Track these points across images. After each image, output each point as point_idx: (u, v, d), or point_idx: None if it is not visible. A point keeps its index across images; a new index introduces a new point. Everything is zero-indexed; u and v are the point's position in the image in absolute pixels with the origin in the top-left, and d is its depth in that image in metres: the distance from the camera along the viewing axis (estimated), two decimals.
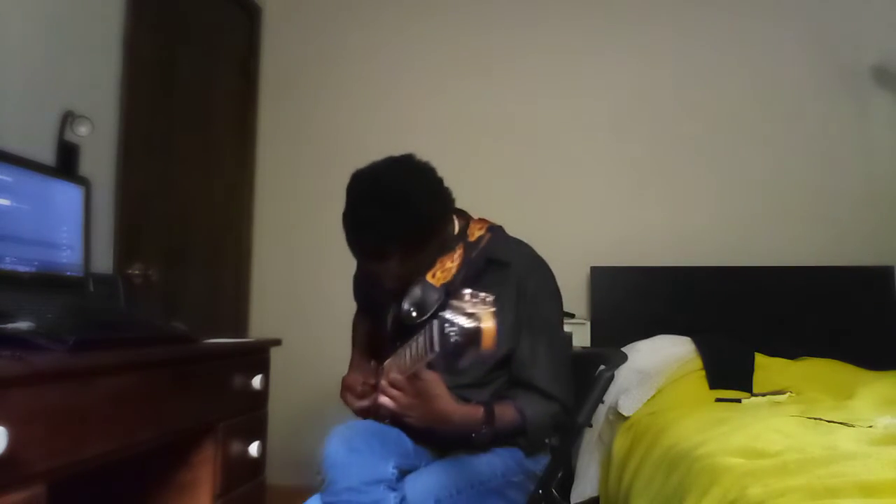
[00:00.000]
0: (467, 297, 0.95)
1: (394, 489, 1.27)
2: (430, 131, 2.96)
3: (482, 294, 0.95)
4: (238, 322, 2.93)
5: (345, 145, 2.98)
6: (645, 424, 1.98)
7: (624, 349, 2.27)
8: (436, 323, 1.00)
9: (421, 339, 1.11)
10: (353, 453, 1.27)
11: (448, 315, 0.94)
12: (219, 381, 1.60)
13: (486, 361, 1.37)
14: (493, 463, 1.38)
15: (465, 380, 1.39)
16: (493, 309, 0.93)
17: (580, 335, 2.62)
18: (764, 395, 2.21)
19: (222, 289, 2.87)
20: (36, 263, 1.55)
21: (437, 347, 1.00)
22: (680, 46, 2.97)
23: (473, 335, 0.91)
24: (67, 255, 1.65)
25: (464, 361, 0.96)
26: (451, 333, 0.93)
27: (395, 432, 1.39)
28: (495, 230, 1.49)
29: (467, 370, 1.38)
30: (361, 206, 1.32)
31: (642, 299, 2.77)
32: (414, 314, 1.38)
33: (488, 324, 0.91)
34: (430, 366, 1.23)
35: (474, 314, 0.92)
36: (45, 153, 1.84)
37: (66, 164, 1.88)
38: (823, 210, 2.84)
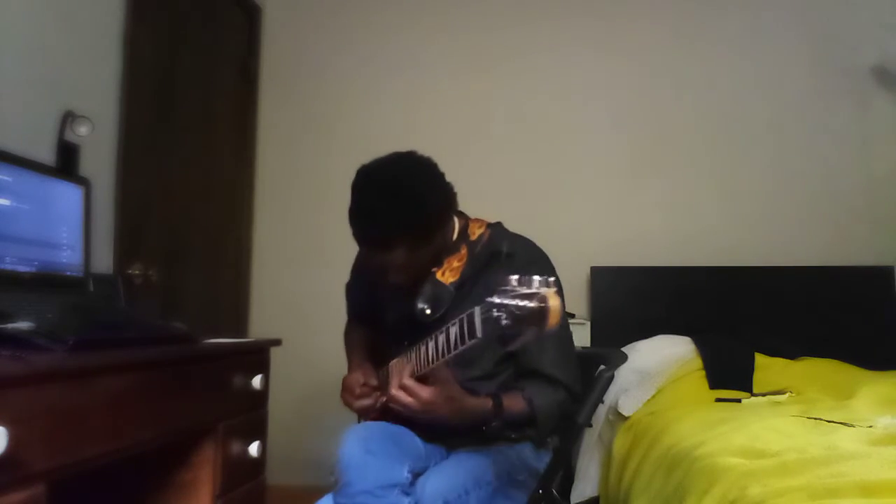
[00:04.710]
0: (514, 283, 0.96)
1: (408, 493, 1.27)
2: (430, 131, 2.96)
3: (536, 277, 0.95)
4: (238, 322, 2.93)
5: (345, 145, 2.97)
6: (645, 424, 1.98)
7: (624, 349, 2.27)
8: (478, 310, 1.01)
9: (454, 329, 1.11)
10: (369, 455, 1.27)
11: (497, 300, 0.95)
12: (219, 381, 1.60)
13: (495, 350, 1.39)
14: (498, 462, 1.39)
15: (475, 372, 1.41)
16: (555, 289, 0.94)
17: (580, 335, 2.62)
18: (764, 395, 2.21)
19: (222, 289, 2.87)
20: (36, 263, 1.55)
21: (479, 334, 1.01)
22: (681, 46, 2.97)
23: (538, 315, 0.92)
24: (67, 255, 1.65)
25: (517, 343, 0.96)
26: (501, 317, 0.94)
27: (408, 434, 1.39)
28: (494, 226, 1.52)
29: (478, 361, 1.40)
30: (366, 198, 1.33)
31: (642, 299, 2.77)
32: (428, 312, 1.39)
33: (555, 302, 0.92)
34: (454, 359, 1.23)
35: (535, 294, 0.92)
36: (45, 153, 1.84)
37: (66, 164, 1.88)
38: (823, 210, 2.84)
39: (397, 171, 1.35)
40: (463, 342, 1.09)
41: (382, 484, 1.24)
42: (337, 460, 1.29)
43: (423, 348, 1.27)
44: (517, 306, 0.93)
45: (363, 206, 1.33)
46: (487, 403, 1.33)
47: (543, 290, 0.93)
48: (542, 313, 0.91)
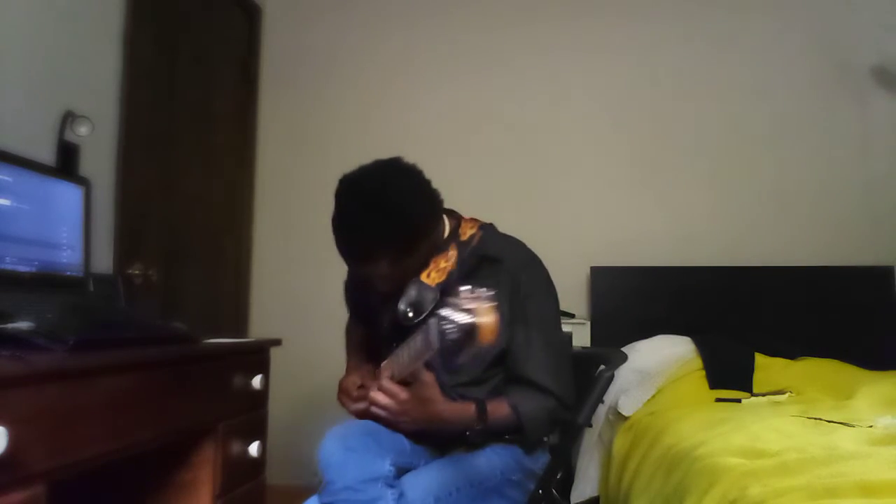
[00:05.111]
0: (464, 294, 0.95)
1: (391, 486, 1.27)
2: (429, 131, 2.96)
3: (479, 290, 0.95)
4: (238, 322, 2.93)
5: (345, 145, 2.98)
6: (645, 424, 1.98)
7: (624, 349, 2.27)
8: (433, 321, 1.00)
9: (419, 337, 1.11)
10: (348, 452, 1.27)
11: (445, 312, 0.95)
12: (219, 381, 1.60)
13: (484, 356, 1.38)
14: (492, 461, 1.38)
15: (463, 378, 1.40)
16: (492, 304, 0.93)
17: (580, 335, 2.62)
18: (764, 395, 2.21)
19: (222, 289, 2.87)
20: (36, 263, 1.55)
21: (435, 345, 1.00)
22: (680, 46, 2.97)
23: (470, 331, 0.91)
24: (67, 255, 1.65)
25: (462, 357, 0.96)
26: (449, 330, 0.93)
27: (390, 431, 1.39)
28: (486, 228, 1.50)
29: (465, 367, 1.38)
30: (347, 210, 1.33)
31: (642, 299, 2.77)
32: (411, 314, 1.38)
33: (486, 318, 0.91)
34: (428, 365, 1.23)
35: (471, 310, 0.92)
36: (45, 153, 1.84)
37: (66, 164, 1.88)
38: (823, 210, 2.84)
39: (380, 182, 1.33)
40: (425, 352, 1.08)
41: (363, 478, 1.24)
42: (318, 461, 1.29)
43: (399, 353, 1.27)
44: (459, 320, 0.92)
45: (345, 220, 1.33)
46: (470, 409, 1.32)
47: (477, 306, 0.92)
48: (472, 329, 0.91)
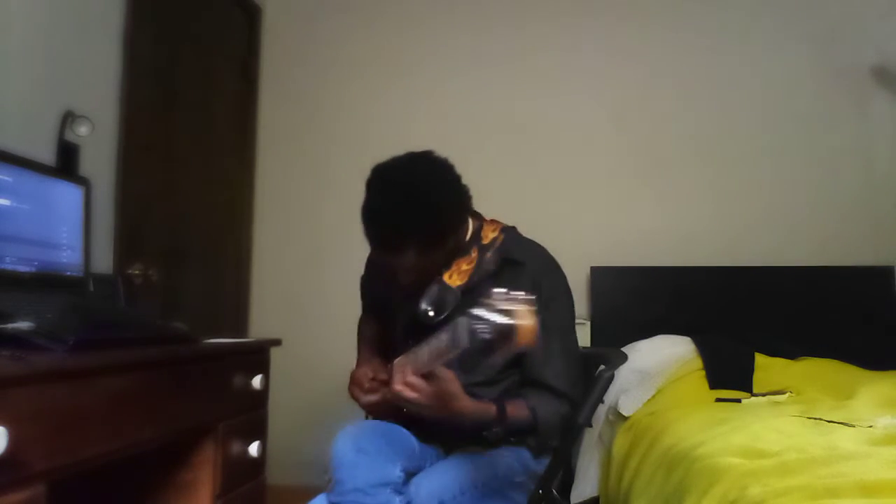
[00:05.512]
0: (499, 296, 0.96)
1: (400, 492, 1.27)
2: (429, 131, 2.94)
3: (518, 293, 0.96)
4: (238, 322, 2.93)
5: (345, 145, 2.98)
6: (645, 424, 1.98)
7: (624, 349, 2.27)
8: (463, 320, 1.01)
9: (444, 335, 1.11)
10: (360, 454, 1.27)
11: (479, 312, 0.95)
12: (219, 381, 1.60)
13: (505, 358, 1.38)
14: (496, 464, 1.39)
15: (476, 378, 1.40)
16: (532, 308, 0.94)
17: (580, 335, 2.59)
18: (764, 395, 2.21)
19: (222, 289, 2.87)
20: (36, 263, 1.55)
21: (464, 344, 1.00)
22: (680, 46, 2.97)
23: (507, 332, 0.92)
24: (67, 255, 1.66)
25: (495, 358, 0.97)
26: (482, 330, 0.94)
27: (402, 433, 1.39)
28: (508, 231, 1.51)
29: (481, 368, 1.39)
30: (379, 199, 1.33)
31: (642, 299, 2.77)
32: (431, 314, 1.39)
33: (525, 321, 0.92)
34: (447, 364, 1.23)
35: (510, 311, 0.93)
36: (45, 153, 1.84)
37: (66, 164, 1.88)
38: (823, 210, 2.84)
39: (412, 173, 1.34)
40: (450, 350, 1.09)
41: (373, 482, 1.25)
42: (329, 459, 1.29)
43: (420, 350, 1.27)
44: (494, 321, 0.93)
45: (375, 207, 1.33)
46: (491, 409, 1.32)
47: (516, 308, 0.93)
48: (510, 331, 0.92)
